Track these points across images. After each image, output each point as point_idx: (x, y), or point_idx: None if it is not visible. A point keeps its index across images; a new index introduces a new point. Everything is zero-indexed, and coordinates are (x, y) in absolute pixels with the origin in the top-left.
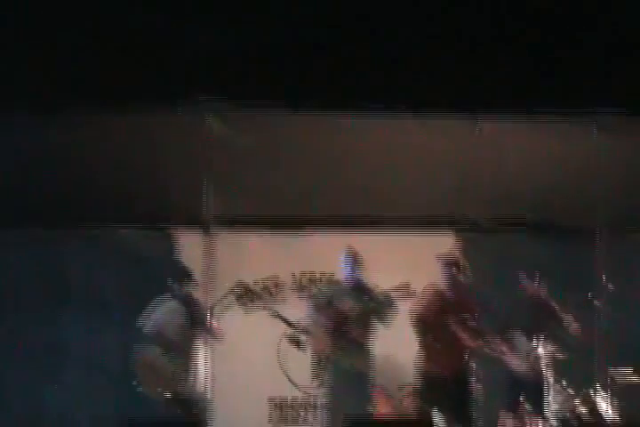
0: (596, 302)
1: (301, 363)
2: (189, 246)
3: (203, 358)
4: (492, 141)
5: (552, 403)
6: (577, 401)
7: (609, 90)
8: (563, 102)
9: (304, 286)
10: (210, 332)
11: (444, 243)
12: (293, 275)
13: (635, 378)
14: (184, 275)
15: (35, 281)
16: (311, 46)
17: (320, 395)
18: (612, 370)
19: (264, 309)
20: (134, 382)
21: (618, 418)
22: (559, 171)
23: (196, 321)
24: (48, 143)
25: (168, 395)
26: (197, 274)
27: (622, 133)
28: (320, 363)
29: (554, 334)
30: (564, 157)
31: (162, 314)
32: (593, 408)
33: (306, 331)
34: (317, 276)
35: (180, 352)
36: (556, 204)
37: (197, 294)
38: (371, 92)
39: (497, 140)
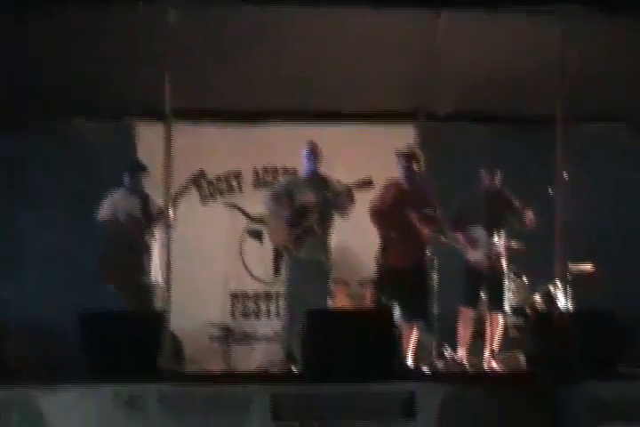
0: (554, 195)
1: (261, 256)
2: (149, 139)
3: (159, 250)
4: (453, 34)
5: (511, 297)
6: (536, 296)
7: None
8: None
9: (265, 180)
10: (167, 223)
11: (405, 136)
12: (254, 169)
13: (590, 270)
14: (138, 167)
15: None
16: None
17: (280, 288)
18: (570, 265)
19: (224, 203)
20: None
21: (573, 310)
22: (519, 63)
23: (150, 213)
24: (10, 32)
25: (126, 288)
26: (157, 167)
27: (581, 25)
28: (279, 255)
29: (512, 227)
30: (525, 49)
31: (116, 205)
32: (551, 302)
33: (265, 223)
34: (279, 170)
35: (136, 243)
36: (516, 96)
37: (156, 186)
38: None
39: (459, 32)
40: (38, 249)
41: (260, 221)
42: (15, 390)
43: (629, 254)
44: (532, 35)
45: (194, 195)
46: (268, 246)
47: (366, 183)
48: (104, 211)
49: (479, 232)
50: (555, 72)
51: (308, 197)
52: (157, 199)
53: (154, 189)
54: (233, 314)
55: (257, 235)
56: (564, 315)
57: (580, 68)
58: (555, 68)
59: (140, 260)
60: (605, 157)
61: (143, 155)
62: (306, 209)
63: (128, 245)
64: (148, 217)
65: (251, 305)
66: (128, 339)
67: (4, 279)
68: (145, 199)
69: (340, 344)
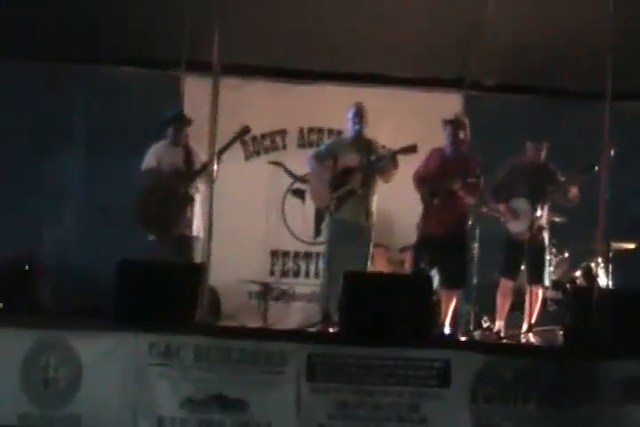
0: (599, 172)
1: (303, 215)
2: (196, 93)
3: (202, 204)
4: (503, 4)
5: (552, 272)
6: (577, 272)
7: None
8: None
9: (310, 140)
10: (210, 177)
11: (451, 103)
12: (300, 128)
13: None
14: (183, 119)
15: (36, 119)
16: None
17: (320, 248)
18: (612, 242)
19: (268, 161)
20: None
21: (613, 287)
22: (568, 36)
23: (193, 166)
24: None
25: (167, 239)
26: (202, 121)
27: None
28: (321, 216)
29: (556, 202)
30: (575, 23)
31: (160, 156)
32: (591, 279)
33: (308, 183)
34: (324, 130)
35: (179, 195)
36: (565, 69)
37: (201, 140)
38: None
39: (508, 2)
40: (83, 196)
41: (303, 180)
42: (55, 333)
43: None
44: (582, 8)
45: (238, 151)
46: (310, 206)
47: (410, 149)
48: (147, 161)
49: (522, 204)
50: (605, 46)
51: (352, 159)
52: (202, 153)
53: (199, 142)
54: (272, 272)
55: (300, 194)
56: (603, 292)
57: (630, 43)
58: (605, 43)
59: (181, 212)
60: None
61: (189, 108)
62: (349, 171)
63: (171, 197)
64: (192, 170)
65: (290, 264)
66: (167, 290)
67: (49, 223)
68: (189, 152)
69: (378, 308)
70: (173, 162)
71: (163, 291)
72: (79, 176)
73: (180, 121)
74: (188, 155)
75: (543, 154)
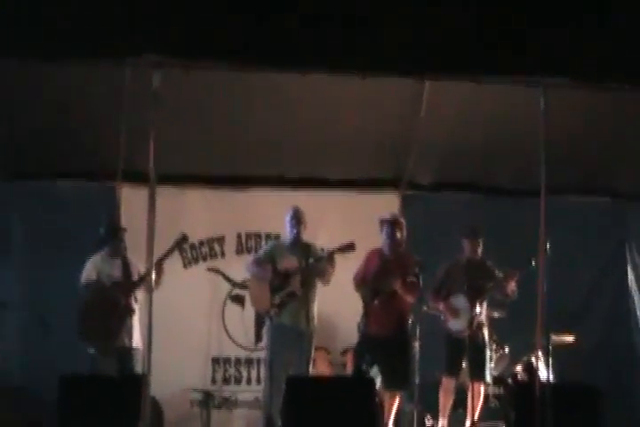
0: (537, 267)
1: (243, 321)
2: (132, 203)
3: (141, 315)
4: (437, 103)
5: (493, 368)
6: (518, 366)
7: (554, 58)
8: (509, 69)
9: (248, 246)
10: (149, 287)
11: (388, 204)
12: (238, 234)
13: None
14: (119, 230)
15: None
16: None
17: (261, 354)
18: (553, 336)
19: (207, 268)
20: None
21: (554, 381)
22: (503, 133)
23: (131, 276)
24: None
25: (107, 351)
26: (140, 231)
27: (566, 100)
28: (261, 321)
29: (494, 297)
30: (509, 121)
31: (97, 268)
32: (533, 373)
33: (247, 288)
34: (262, 235)
35: (118, 307)
36: (500, 167)
37: (139, 250)
38: (316, 51)
39: (443, 101)
40: (20, 308)
41: (242, 286)
42: None
43: (610, 326)
44: (515, 106)
45: (176, 259)
46: (249, 312)
47: (348, 247)
48: (86, 274)
49: (461, 302)
50: (538, 144)
51: (291, 262)
52: (140, 263)
53: (137, 252)
54: (214, 379)
55: (239, 300)
56: (545, 386)
57: (563, 140)
58: (538, 140)
59: (122, 324)
60: (590, 230)
61: (127, 218)
62: (288, 275)
63: (110, 309)
64: (130, 281)
65: (232, 370)
66: (108, 403)
67: None
68: (127, 263)
69: (321, 412)
70: (112, 273)
71: (105, 405)
72: (19, 291)
73: (116, 232)
74: (126, 266)
75: (479, 251)
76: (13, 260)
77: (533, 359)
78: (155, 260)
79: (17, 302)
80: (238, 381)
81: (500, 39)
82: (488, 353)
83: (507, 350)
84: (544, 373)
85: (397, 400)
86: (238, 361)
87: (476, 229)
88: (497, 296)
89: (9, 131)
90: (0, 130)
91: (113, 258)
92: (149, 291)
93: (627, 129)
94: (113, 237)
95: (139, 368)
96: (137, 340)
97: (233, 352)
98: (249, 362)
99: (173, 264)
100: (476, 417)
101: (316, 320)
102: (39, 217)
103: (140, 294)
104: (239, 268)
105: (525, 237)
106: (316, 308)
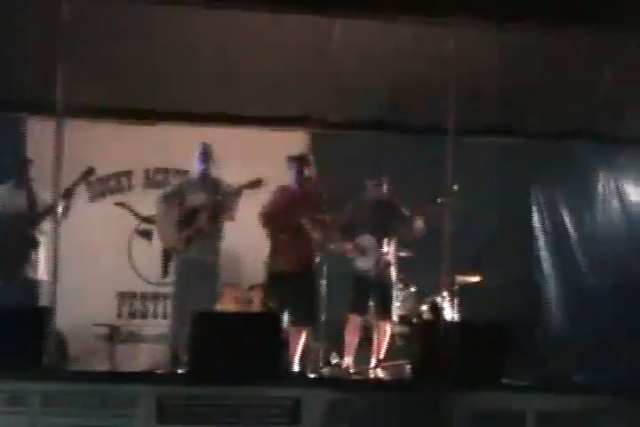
0: (443, 204)
1: (150, 256)
2: (40, 134)
3: (47, 247)
4: (347, 41)
5: (399, 306)
6: (423, 306)
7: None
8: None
9: (156, 180)
10: (55, 220)
11: (296, 141)
12: (146, 169)
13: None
14: (25, 161)
15: None
16: None
17: (168, 289)
18: (458, 276)
19: (114, 202)
20: None
21: (459, 320)
22: (411, 72)
23: (37, 208)
24: None
25: (11, 283)
26: (46, 163)
27: (476, 39)
28: (168, 256)
29: (401, 236)
30: (419, 59)
31: (2, 199)
32: (438, 312)
33: (155, 223)
34: (170, 171)
35: (23, 239)
36: (409, 106)
37: (45, 182)
38: None
39: (352, 39)
40: None
41: (149, 221)
42: None
43: (514, 266)
44: (425, 45)
45: (84, 192)
46: (157, 247)
47: (256, 183)
48: None
49: (368, 240)
50: (446, 83)
51: (199, 198)
52: (46, 195)
53: (43, 184)
54: (120, 314)
55: (146, 235)
56: (449, 325)
57: (471, 80)
58: (446, 80)
59: (26, 256)
60: (496, 170)
61: (33, 150)
62: (196, 211)
63: (14, 241)
64: (35, 213)
65: (138, 305)
66: (12, 335)
67: None
68: (32, 195)
69: (227, 347)
70: (17, 205)
71: (7, 336)
72: None
73: (22, 163)
74: (32, 197)
75: (384, 189)
76: None
77: (439, 299)
78: (61, 192)
79: None
80: (144, 315)
81: None
82: (394, 292)
83: (413, 289)
84: (449, 312)
85: (303, 337)
86: (145, 296)
87: (380, 168)
88: (404, 234)
89: None
90: None
91: (18, 189)
92: (56, 223)
93: (538, 69)
94: (19, 168)
95: (43, 301)
96: (42, 273)
97: (139, 287)
98: (155, 297)
99: (80, 198)
100: (381, 356)
101: (223, 256)
102: None
103: (46, 227)
104: (147, 202)
105: (434, 175)
106: (223, 244)
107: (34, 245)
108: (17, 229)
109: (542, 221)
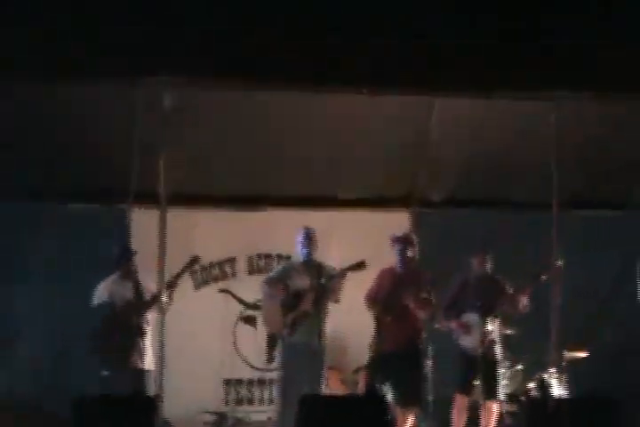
0: (548, 282)
1: (255, 342)
2: (144, 224)
3: (153, 336)
4: (448, 119)
5: (506, 385)
6: (531, 383)
7: (568, 73)
8: (521, 85)
9: (259, 266)
10: (160, 309)
11: (399, 221)
12: (248, 255)
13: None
14: (130, 252)
15: None
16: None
17: (274, 374)
18: (565, 352)
19: (218, 289)
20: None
21: (568, 397)
22: (514, 149)
23: (143, 298)
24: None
25: (119, 372)
26: (151, 252)
27: (579, 113)
28: (273, 341)
29: (506, 313)
30: (520, 136)
31: (110, 289)
32: (546, 390)
33: (260, 309)
34: (273, 256)
35: (130, 329)
36: (510, 182)
37: (150, 271)
38: (330, 68)
39: (454, 117)
40: (33, 331)
41: (253, 307)
42: None
43: (624, 340)
44: (528, 121)
45: (188, 280)
46: (261, 333)
47: (359, 265)
48: (99, 295)
49: (472, 318)
50: (550, 159)
51: (303, 282)
52: (151, 285)
53: (147, 274)
54: (226, 400)
55: (251, 321)
56: (558, 402)
57: (576, 155)
58: (550, 155)
59: (133, 345)
60: (602, 243)
61: (138, 240)
62: (300, 294)
63: (122, 331)
64: (142, 302)
65: (244, 391)
66: (121, 425)
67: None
68: (138, 285)
69: None
70: (124, 295)
71: (117, 425)
72: (31, 311)
73: (127, 254)
74: (138, 287)
75: (488, 266)
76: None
77: (546, 376)
78: (166, 281)
79: (32, 323)
80: (251, 401)
81: (510, 54)
82: (501, 370)
83: (519, 366)
84: (557, 389)
85: (411, 418)
86: (250, 382)
87: (485, 244)
88: (509, 311)
89: (23, 152)
90: (15, 151)
91: (125, 280)
92: (161, 312)
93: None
94: (125, 259)
95: (151, 390)
96: (149, 361)
97: (245, 373)
98: (261, 383)
99: (185, 286)
100: None
101: (328, 339)
102: (52, 240)
103: (151, 316)
104: (250, 288)
105: (538, 251)
106: (327, 327)
107: (141, 334)
108: (124, 319)
109: None
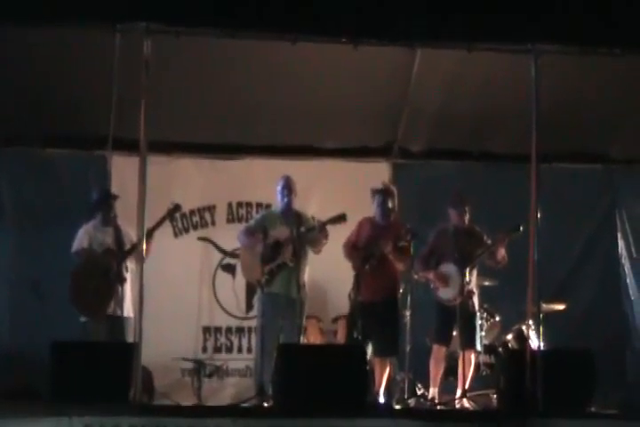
0: (526, 234)
1: (234, 290)
2: (123, 171)
3: (132, 283)
4: (428, 71)
5: (483, 336)
6: (508, 335)
7: (547, 25)
8: (502, 37)
9: (239, 215)
10: (140, 256)
11: (379, 171)
12: (229, 203)
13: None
14: (111, 198)
15: None
16: None
17: (252, 322)
18: (544, 304)
19: (198, 237)
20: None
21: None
22: (493, 100)
23: (123, 245)
24: None
25: (97, 318)
26: (131, 199)
27: (558, 66)
28: (252, 290)
29: (485, 265)
30: (500, 87)
31: (89, 236)
32: (523, 341)
33: (238, 258)
34: (253, 205)
35: (109, 275)
36: (489, 134)
37: (130, 218)
38: (314, 19)
39: (434, 69)
40: (10, 277)
41: (232, 255)
42: None
43: (601, 293)
44: (507, 73)
45: (167, 228)
46: (240, 281)
47: (340, 219)
48: (78, 242)
49: (451, 269)
50: (528, 111)
51: (282, 232)
52: (132, 232)
53: (128, 221)
54: (205, 348)
55: (230, 269)
56: (535, 354)
57: (555, 107)
58: (529, 107)
59: (112, 291)
60: (579, 197)
61: (117, 187)
62: (279, 244)
63: (100, 277)
64: (121, 249)
65: (223, 339)
66: (100, 371)
67: None
68: (119, 232)
69: (312, 380)
70: (104, 242)
71: (96, 372)
72: (10, 257)
73: (108, 200)
74: (118, 234)
75: (467, 218)
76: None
77: (524, 327)
78: (146, 229)
79: (7, 269)
80: (229, 349)
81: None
82: (479, 321)
83: (497, 318)
84: (535, 341)
85: (388, 368)
86: (229, 330)
87: (462, 196)
88: (487, 263)
89: (1, 96)
90: None
91: (105, 226)
92: (141, 260)
93: (619, 95)
94: (104, 206)
95: (130, 337)
96: (128, 308)
97: (224, 321)
98: (240, 331)
99: (164, 233)
100: (467, 386)
101: (306, 289)
102: (29, 184)
103: (131, 263)
104: (230, 237)
105: (516, 203)
106: (306, 276)
107: (120, 281)
108: (103, 266)
109: (627, 247)
